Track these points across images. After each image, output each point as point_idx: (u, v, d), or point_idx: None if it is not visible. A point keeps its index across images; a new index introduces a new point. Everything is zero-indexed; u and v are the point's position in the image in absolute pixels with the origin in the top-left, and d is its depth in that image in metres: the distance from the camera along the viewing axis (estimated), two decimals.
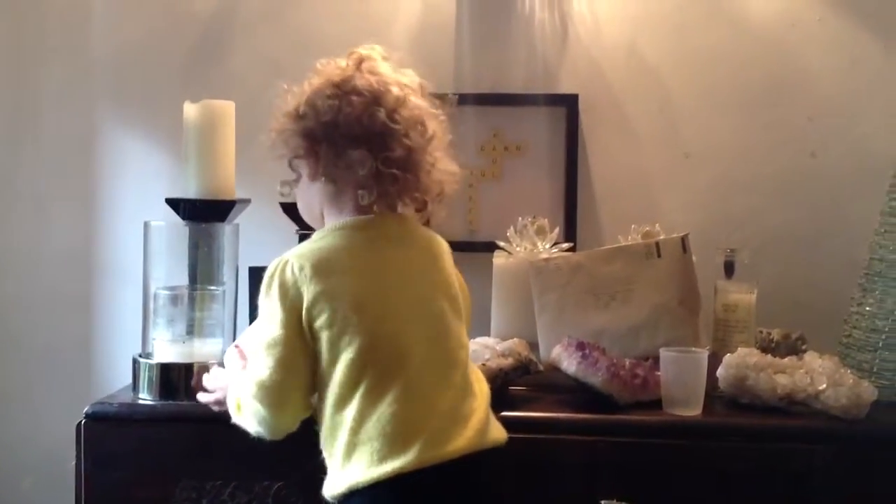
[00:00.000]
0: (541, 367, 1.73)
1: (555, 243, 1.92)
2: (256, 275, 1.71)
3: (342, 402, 1.35)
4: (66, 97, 2.17)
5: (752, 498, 1.57)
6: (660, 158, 2.10)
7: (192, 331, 1.72)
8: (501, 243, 1.93)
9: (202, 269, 1.76)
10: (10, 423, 2.17)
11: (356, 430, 1.33)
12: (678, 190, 2.09)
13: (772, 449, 1.57)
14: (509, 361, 1.67)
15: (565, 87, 2.09)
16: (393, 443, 1.31)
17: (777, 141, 2.08)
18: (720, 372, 1.67)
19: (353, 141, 1.39)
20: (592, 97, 2.09)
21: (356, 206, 1.41)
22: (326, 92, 1.40)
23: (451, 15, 2.10)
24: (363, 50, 1.45)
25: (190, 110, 1.75)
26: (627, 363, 1.66)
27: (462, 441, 1.34)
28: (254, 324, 1.47)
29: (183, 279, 1.75)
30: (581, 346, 1.65)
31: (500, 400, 1.57)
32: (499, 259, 1.90)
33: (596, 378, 1.61)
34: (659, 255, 1.78)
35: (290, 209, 1.79)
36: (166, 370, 1.67)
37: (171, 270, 1.76)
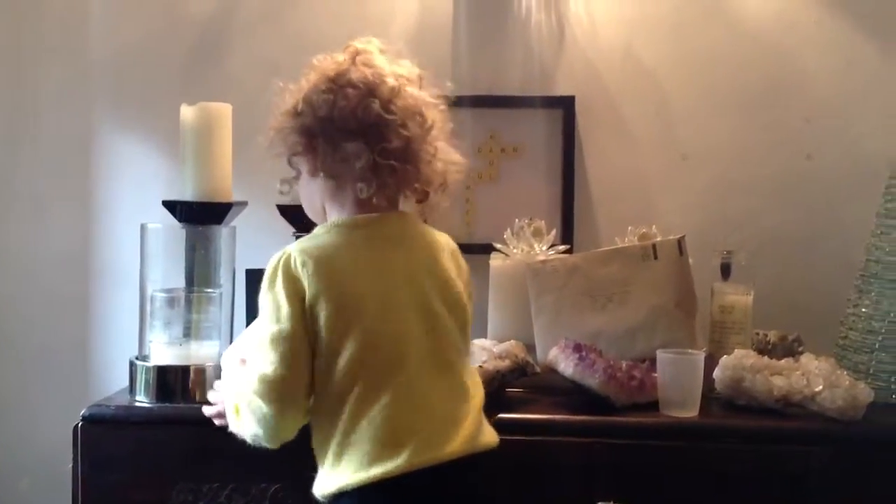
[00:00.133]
0: (537, 369, 1.73)
1: (551, 245, 1.92)
2: (253, 277, 1.72)
3: (337, 403, 1.34)
4: (65, 98, 2.16)
5: (748, 499, 1.57)
6: (656, 160, 2.10)
7: (188, 333, 1.71)
8: (498, 245, 1.93)
9: (199, 271, 1.75)
10: (6, 425, 2.17)
11: (348, 431, 1.33)
12: (675, 192, 2.09)
13: (768, 450, 1.57)
14: (506, 363, 1.67)
15: (562, 89, 2.09)
16: (383, 446, 1.30)
17: (774, 142, 2.08)
18: (717, 373, 1.67)
19: (348, 134, 1.38)
20: (589, 99, 2.09)
21: (356, 199, 1.40)
22: (322, 87, 1.40)
23: (448, 17, 2.10)
24: (359, 43, 1.44)
25: (187, 112, 1.75)
26: (624, 365, 1.66)
27: (453, 445, 1.33)
28: (252, 325, 1.45)
29: (180, 281, 1.75)
30: (578, 348, 1.65)
31: (497, 402, 1.57)
32: (495, 261, 1.90)
33: (593, 380, 1.61)
34: (655, 257, 1.79)
35: (287, 211, 1.79)
36: (163, 373, 1.67)
37: (167, 273, 1.76)
